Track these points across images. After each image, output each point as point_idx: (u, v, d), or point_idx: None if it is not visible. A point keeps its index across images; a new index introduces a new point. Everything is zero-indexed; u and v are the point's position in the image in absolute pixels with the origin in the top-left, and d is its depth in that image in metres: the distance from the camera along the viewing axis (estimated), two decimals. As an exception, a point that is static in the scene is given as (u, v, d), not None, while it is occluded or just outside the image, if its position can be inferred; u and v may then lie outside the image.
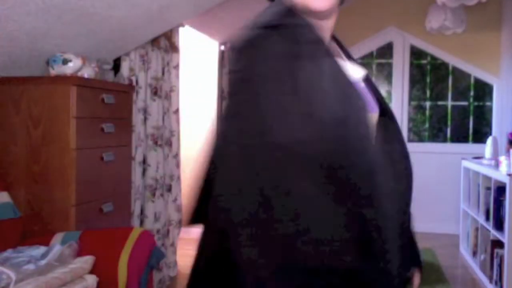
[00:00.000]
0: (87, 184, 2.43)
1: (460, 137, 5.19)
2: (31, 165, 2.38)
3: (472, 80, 5.12)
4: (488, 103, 5.10)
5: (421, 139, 5.26)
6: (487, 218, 3.48)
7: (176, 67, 3.49)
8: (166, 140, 3.37)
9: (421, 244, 1.14)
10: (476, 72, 5.01)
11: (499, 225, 3.22)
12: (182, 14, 3.05)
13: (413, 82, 5.25)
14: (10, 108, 2.41)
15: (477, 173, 3.83)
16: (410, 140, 5.17)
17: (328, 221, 0.83)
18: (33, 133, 2.38)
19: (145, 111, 3.15)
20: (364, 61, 5.23)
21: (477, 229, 3.81)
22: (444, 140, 5.22)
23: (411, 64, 5.21)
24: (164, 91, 3.33)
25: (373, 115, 1.00)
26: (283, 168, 0.83)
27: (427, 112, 5.25)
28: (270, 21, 0.91)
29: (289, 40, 0.89)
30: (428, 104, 5.24)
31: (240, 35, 0.91)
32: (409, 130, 5.26)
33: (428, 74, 5.24)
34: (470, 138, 5.16)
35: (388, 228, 0.86)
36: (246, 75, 0.88)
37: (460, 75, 5.15)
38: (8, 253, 2.06)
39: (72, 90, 2.33)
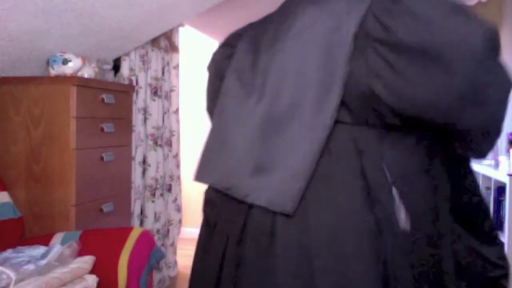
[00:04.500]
0: (87, 184, 2.43)
1: (460, 137, 5.17)
2: (31, 165, 2.38)
3: (472, 80, 5.10)
4: (488, 103, 5.08)
5: (421, 139, 5.24)
6: (487, 218, 3.48)
7: (176, 67, 3.49)
8: (166, 140, 3.37)
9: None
10: (476, 72, 4.99)
11: (499, 225, 3.22)
12: (182, 14, 3.05)
13: (413, 82, 5.23)
14: (10, 108, 2.41)
15: (477, 173, 3.83)
16: (410, 140, 5.14)
17: None
18: (33, 133, 2.38)
19: (145, 111, 3.15)
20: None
21: (477, 229, 3.81)
22: (444, 140, 5.20)
23: (411, 64, 5.20)
24: (164, 91, 3.33)
25: None
26: None
27: (427, 112, 5.24)
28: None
29: None
30: (428, 104, 5.23)
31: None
32: (409, 130, 5.24)
33: (428, 74, 5.23)
34: (470, 138, 5.14)
35: None
36: None
37: (460, 75, 5.13)
38: (8, 253, 2.05)
39: (72, 90, 2.33)
